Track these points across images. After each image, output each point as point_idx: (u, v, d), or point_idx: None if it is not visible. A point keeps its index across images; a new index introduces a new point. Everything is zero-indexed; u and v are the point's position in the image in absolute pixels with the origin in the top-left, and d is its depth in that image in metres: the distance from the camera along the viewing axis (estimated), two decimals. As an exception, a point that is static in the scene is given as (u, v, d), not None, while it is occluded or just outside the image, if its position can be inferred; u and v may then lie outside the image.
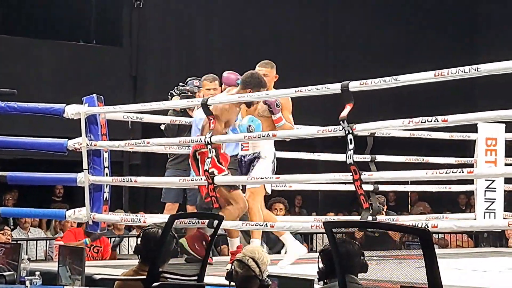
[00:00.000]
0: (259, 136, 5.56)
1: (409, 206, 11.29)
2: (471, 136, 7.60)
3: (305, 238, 8.75)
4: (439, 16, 13.37)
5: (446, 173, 4.60)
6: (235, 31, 12.18)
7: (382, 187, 7.27)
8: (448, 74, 4.67)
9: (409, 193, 11.35)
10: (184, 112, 6.78)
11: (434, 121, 4.67)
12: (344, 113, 4.92)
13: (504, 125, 7.29)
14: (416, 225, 4.43)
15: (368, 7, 13.00)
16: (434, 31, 13.21)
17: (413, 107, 9.01)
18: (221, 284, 3.72)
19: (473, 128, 7.37)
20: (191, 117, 6.69)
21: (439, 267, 4.89)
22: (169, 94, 6.75)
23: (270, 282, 3.49)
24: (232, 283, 3.55)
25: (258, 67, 5.94)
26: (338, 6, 12.94)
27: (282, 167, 6.07)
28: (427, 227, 4.60)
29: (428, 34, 13.18)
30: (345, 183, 5.61)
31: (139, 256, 3.87)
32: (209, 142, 5.59)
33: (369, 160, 7.06)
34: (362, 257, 3.66)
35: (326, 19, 13.00)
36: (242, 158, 5.91)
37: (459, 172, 4.57)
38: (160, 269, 3.71)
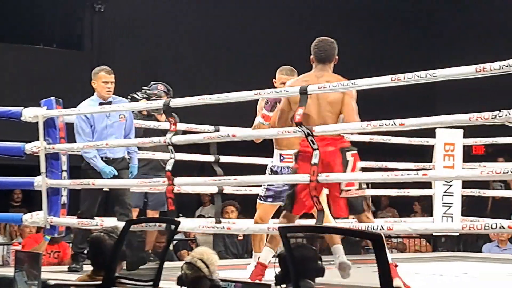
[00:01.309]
0: (218, 137, 5.56)
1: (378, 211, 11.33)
2: (430, 141, 7.68)
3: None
4: (397, 25, 13.49)
5: (401, 175, 4.65)
6: (199, 34, 12.17)
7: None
8: (404, 79, 4.73)
9: (381, 198, 11.44)
10: (150, 116, 6.76)
11: (392, 124, 4.72)
12: (298, 116, 4.94)
13: (462, 130, 7.37)
14: (371, 229, 4.46)
15: (328, 16, 13.07)
16: (393, 39, 13.33)
17: (376, 112, 9.08)
18: (176, 289, 3.71)
19: (433, 134, 7.46)
20: (158, 121, 6.67)
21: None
22: (129, 97, 6.70)
23: (221, 283, 3.50)
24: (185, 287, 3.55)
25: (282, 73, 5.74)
26: (301, 14, 13.00)
27: (245, 170, 6.07)
28: (383, 229, 4.64)
29: (388, 42, 13.30)
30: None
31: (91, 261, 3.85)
32: (170, 143, 5.60)
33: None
34: (319, 262, 3.68)
35: (291, 27, 13.05)
36: (282, 170, 5.63)
37: (414, 175, 4.61)
38: (116, 274, 3.69)
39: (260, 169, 6.06)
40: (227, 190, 6.48)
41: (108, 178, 6.11)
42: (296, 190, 4.97)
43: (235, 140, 5.47)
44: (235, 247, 8.20)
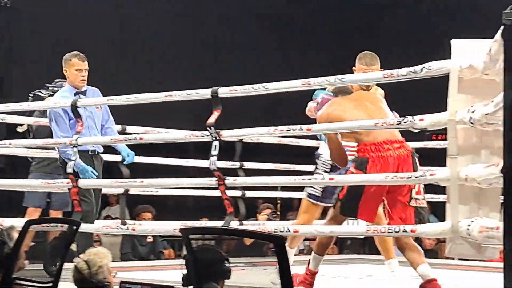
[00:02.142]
0: (125, 139, 5.51)
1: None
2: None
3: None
4: (317, 33, 13.62)
5: (308, 179, 4.68)
6: (112, 32, 12.02)
7: (250, 193, 7.36)
8: (314, 83, 4.78)
9: (293, 200, 11.52)
10: None
11: (299, 129, 4.75)
12: (212, 119, 4.95)
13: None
14: (275, 231, 4.48)
15: (259, 20, 13.11)
16: (306, 44, 13.45)
17: (291, 115, 9.16)
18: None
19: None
20: None
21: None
22: (32, 95, 6.54)
23: (107, 283, 3.48)
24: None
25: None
26: (222, 17, 13.00)
27: (153, 172, 6.03)
28: (289, 231, 4.67)
29: (302, 46, 13.41)
30: (211, 189, 5.61)
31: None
32: (76, 145, 5.53)
33: (238, 166, 7.13)
34: (225, 264, 3.67)
35: (208, 29, 13.02)
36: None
37: (321, 179, 4.65)
38: (14, 276, 3.61)
39: (173, 171, 6.02)
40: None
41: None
42: (366, 193, 4.61)
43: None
44: (143, 249, 8.15)
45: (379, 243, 5.43)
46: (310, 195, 5.37)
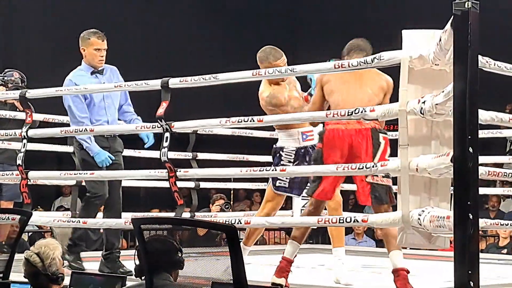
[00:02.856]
0: (75, 131, 5.44)
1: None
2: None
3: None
4: (264, 22, 13.63)
5: (259, 170, 4.69)
6: (56, 24, 11.87)
7: (204, 184, 7.35)
8: (265, 73, 4.78)
9: (239, 191, 11.53)
10: (6, 104, 6.53)
11: (251, 120, 4.74)
12: (161, 110, 4.91)
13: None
14: (226, 222, 4.48)
15: (196, 12, 13.06)
16: (258, 35, 13.44)
17: (243, 106, 9.15)
18: (26, 282, 3.62)
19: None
20: (17, 109, 6.42)
21: (253, 262, 5.00)
22: None
23: (61, 275, 3.45)
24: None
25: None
26: (164, 6, 12.93)
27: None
28: (240, 222, 4.67)
29: (255, 38, 13.40)
30: (164, 180, 5.57)
31: None
32: (25, 137, 5.46)
33: (191, 157, 7.12)
34: (178, 254, 3.65)
35: (152, 19, 12.93)
36: (309, 150, 5.34)
37: (272, 170, 4.66)
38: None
39: (126, 162, 5.96)
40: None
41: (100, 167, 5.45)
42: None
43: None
44: (96, 240, 8.07)
45: (330, 230, 5.48)
46: (278, 187, 5.36)
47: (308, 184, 5.03)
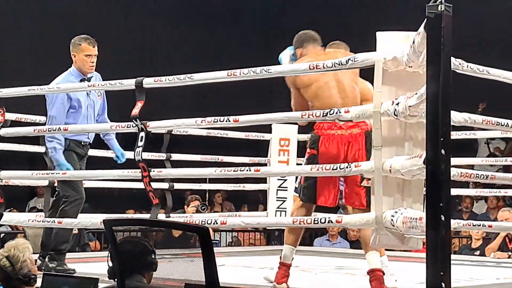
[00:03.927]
0: (48, 130, 5.40)
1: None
2: (266, 136, 7.80)
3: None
4: (239, 22, 13.63)
5: (234, 171, 4.67)
6: (27, 22, 11.80)
7: (178, 186, 7.33)
8: (240, 74, 4.76)
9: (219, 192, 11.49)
10: None
11: (226, 120, 4.73)
12: (136, 110, 4.89)
13: (297, 126, 7.53)
14: (200, 223, 4.47)
15: (172, 11, 13.02)
16: (234, 35, 13.45)
17: (217, 106, 9.14)
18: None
19: (270, 129, 7.59)
20: None
21: (227, 264, 4.99)
22: None
23: (33, 276, 3.42)
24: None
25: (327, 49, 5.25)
26: (143, 8, 12.89)
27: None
28: (216, 223, 4.66)
29: (230, 37, 13.40)
30: (138, 180, 5.55)
31: None
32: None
33: (165, 158, 7.10)
34: (151, 256, 3.64)
35: (129, 20, 12.89)
36: None
37: (247, 170, 4.65)
38: None
39: (100, 162, 5.93)
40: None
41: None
42: (318, 180, 4.71)
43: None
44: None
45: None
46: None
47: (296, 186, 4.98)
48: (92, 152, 6.90)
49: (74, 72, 5.55)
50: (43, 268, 5.27)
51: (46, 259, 5.41)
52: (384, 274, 4.71)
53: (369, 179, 4.50)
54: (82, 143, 5.54)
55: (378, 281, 4.67)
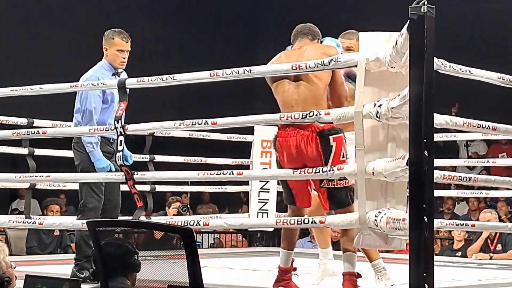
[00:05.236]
0: (28, 133, 5.36)
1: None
2: (248, 138, 7.79)
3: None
4: (223, 22, 13.61)
5: (217, 174, 4.66)
6: (12, 22, 11.75)
7: (160, 188, 7.32)
8: (223, 74, 4.75)
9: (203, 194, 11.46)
10: None
11: (204, 123, 4.70)
12: (119, 111, 4.85)
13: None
14: (183, 224, 4.46)
15: (156, 11, 13.00)
16: (217, 36, 13.44)
17: (199, 108, 9.13)
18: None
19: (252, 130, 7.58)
20: None
21: (209, 266, 4.97)
22: None
23: (7, 278, 3.40)
24: None
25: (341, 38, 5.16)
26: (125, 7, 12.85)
27: (63, 166, 5.90)
28: (199, 224, 4.65)
29: (213, 38, 13.39)
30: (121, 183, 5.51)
31: None
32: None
33: (148, 160, 7.07)
34: (134, 258, 3.62)
35: (112, 19, 12.84)
36: None
37: (229, 174, 4.64)
38: None
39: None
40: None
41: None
42: (289, 182, 4.66)
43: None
44: (50, 242, 8.02)
45: (315, 234, 5.41)
46: None
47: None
48: (64, 153, 6.86)
49: (106, 66, 5.40)
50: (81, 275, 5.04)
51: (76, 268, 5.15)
52: (360, 276, 4.68)
53: (330, 180, 4.50)
54: (111, 140, 5.31)
55: (349, 281, 4.64)
